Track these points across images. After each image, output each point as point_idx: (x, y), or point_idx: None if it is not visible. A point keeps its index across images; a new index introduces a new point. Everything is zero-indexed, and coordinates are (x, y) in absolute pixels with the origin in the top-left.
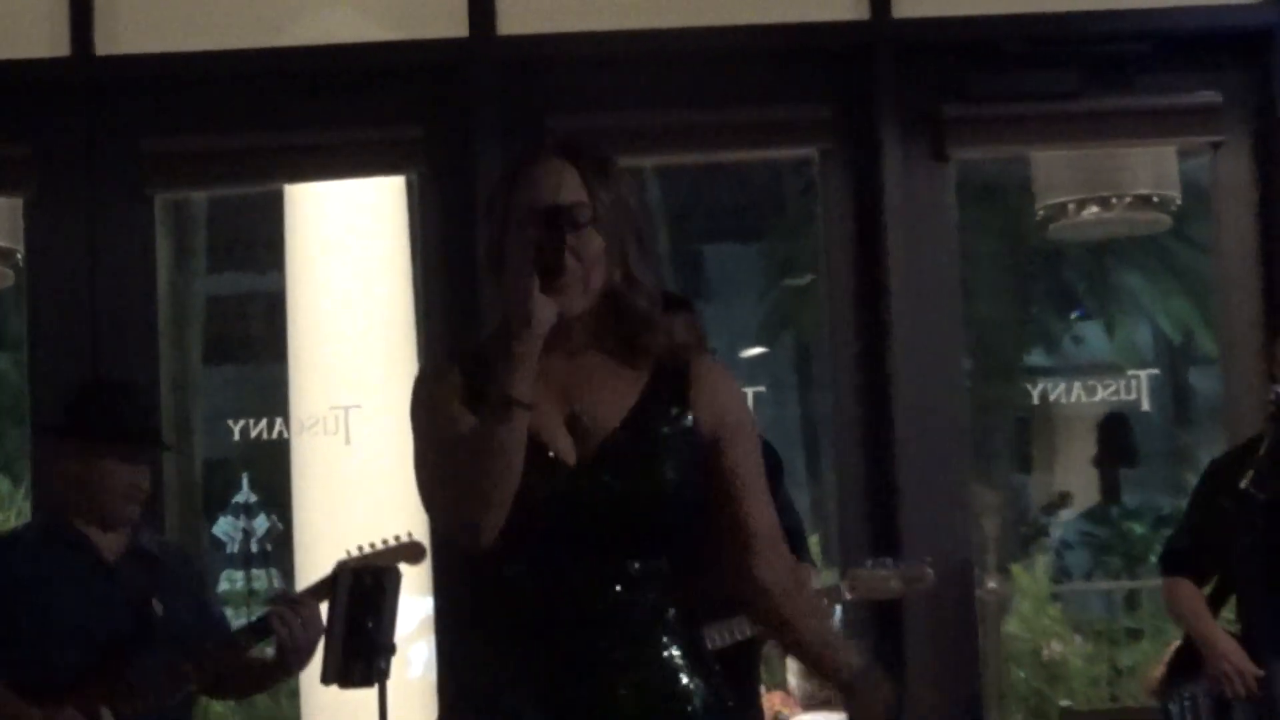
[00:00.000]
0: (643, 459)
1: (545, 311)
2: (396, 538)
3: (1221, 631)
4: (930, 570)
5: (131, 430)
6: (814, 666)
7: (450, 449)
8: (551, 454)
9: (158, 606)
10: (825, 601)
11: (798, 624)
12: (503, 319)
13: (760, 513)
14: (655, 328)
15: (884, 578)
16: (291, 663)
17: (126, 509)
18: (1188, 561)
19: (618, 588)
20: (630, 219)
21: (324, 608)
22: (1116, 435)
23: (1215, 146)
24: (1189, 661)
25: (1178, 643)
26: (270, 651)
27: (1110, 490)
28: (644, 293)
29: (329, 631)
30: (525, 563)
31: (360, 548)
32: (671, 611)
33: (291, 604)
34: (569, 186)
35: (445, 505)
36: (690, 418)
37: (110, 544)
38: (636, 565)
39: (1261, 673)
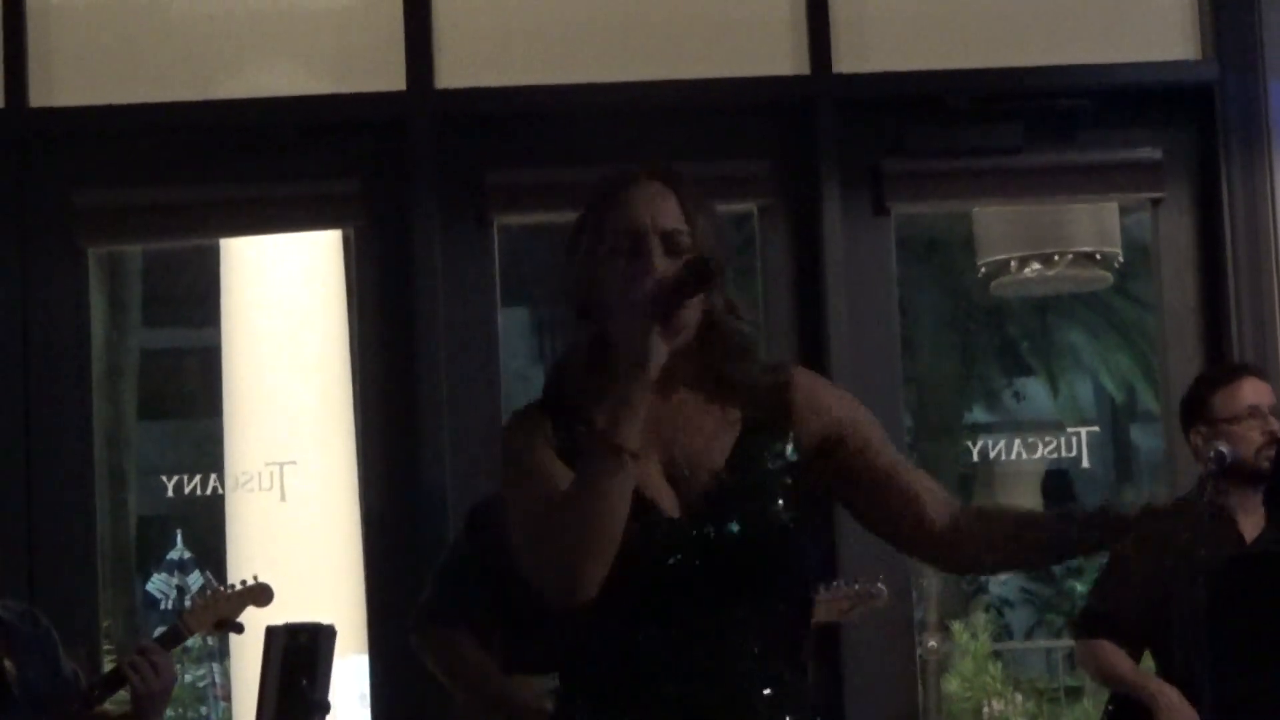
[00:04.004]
0: (751, 502)
1: (661, 354)
2: (243, 582)
3: (1169, 686)
4: (883, 587)
5: None
6: (1038, 556)
7: (549, 506)
8: (653, 506)
9: (10, 669)
10: None
11: (994, 538)
12: (585, 350)
13: (911, 473)
14: (752, 356)
15: (837, 598)
16: (147, 710)
17: None
18: (1109, 624)
19: (728, 640)
20: (725, 246)
21: (258, 667)
22: (1058, 493)
23: (1156, 203)
24: None
25: (1110, 706)
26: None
27: None
28: (740, 318)
29: (262, 691)
30: (622, 622)
31: (209, 592)
32: (780, 661)
33: (142, 652)
34: (668, 212)
35: (541, 561)
36: (792, 447)
37: None
38: (746, 613)
39: None
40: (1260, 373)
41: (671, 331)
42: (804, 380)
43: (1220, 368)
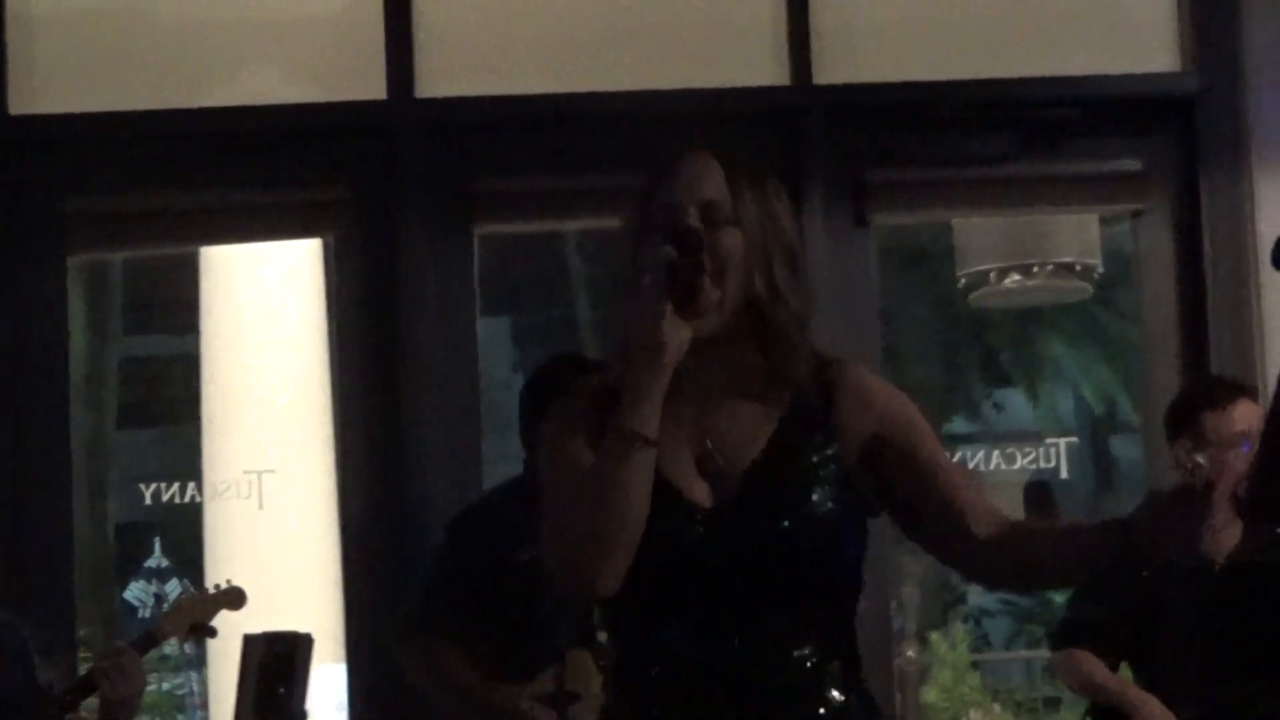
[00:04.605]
0: (788, 494)
1: (677, 337)
2: (217, 586)
3: (1149, 695)
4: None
5: None
6: (1081, 564)
7: (569, 496)
8: (685, 498)
9: None
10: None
11: (1037, 549)
12: (624, 342)
13: (957, 482)
14: (796, 350)
15: None
16: (116, 715)
17: None
18: (1087, 634)
19: (771, 644)
20: (779, 228)
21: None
22: (1038, 503)
23: (1137, 214)
24: None
25: (1088, 717)
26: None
27: None
28: (787, 306)
29: (239, 700)
30: (653, 616)
31: (187, 594)
32: (835, 664)
33: (113, 657)
34: (712, 184)
35: (561, 552)
36: (835, 442)
37: None
38: (789, 615)
39: None
40: (1253, 394)
41: (692, 314)
42: (853, 376)
43: (1216, 385)
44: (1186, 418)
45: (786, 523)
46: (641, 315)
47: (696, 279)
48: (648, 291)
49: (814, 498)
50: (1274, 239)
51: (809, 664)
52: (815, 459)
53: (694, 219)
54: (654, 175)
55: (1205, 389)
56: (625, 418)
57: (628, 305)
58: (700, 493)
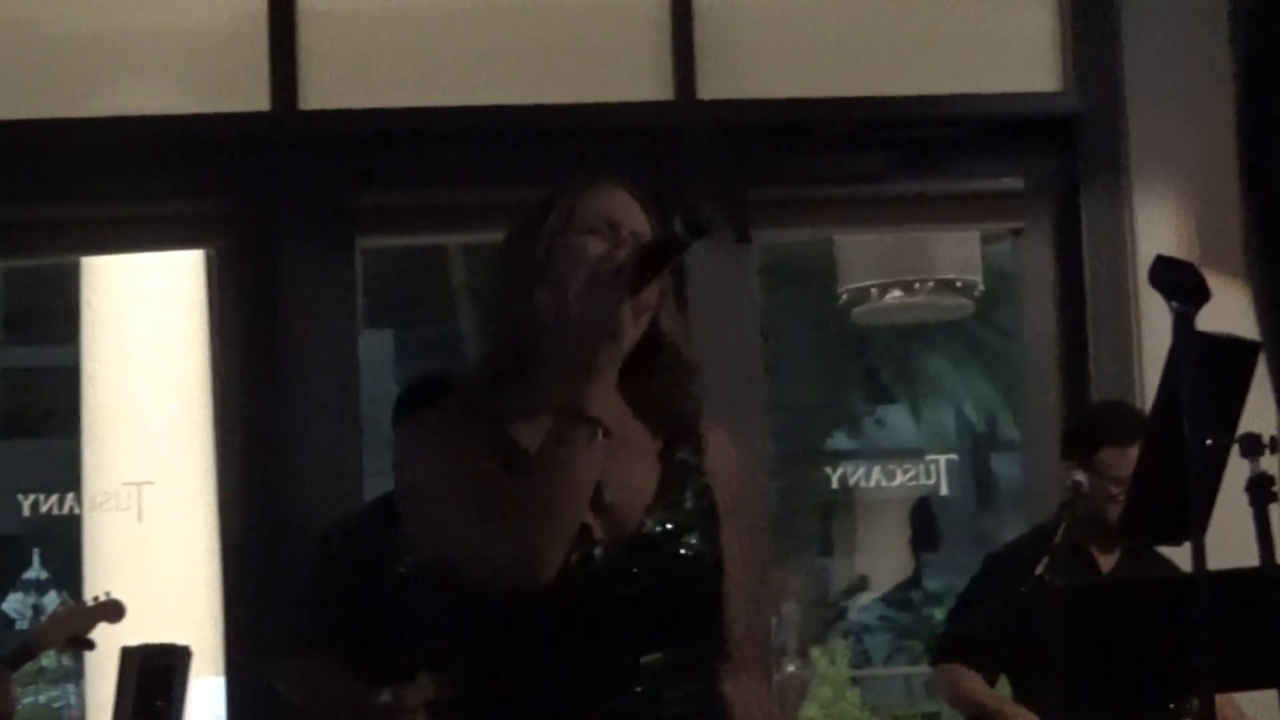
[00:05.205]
0: (678, 542)
1: (631, 328)
2: (95, 598)
3: (1025, 710)
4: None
5: None
6: None
7: (507, 486)
8: (588, 529)
9: None
10: None
11: None
12: (507, 356)
13: (737, 611)
14: (690, 383)
15: None
16: None
17: None
18: (965, 649)
19: (638, 688)
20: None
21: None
22: (921, 521)
23: (1017, 232)
24: None
25: None
26: None
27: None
28: (679, 345)
29: (117, 713)
30: (543, 653)
31: (65, 606)
32: (697, 706)
33: None
34: (637, 216)
35: (501, 544)
36: (711, 493)
37: None
38: (660, 658)
39: None
40: None
41: (639, 307)
42: (721, 437)
43: (1121, 419)
44: (1084, 444)
45: (677, 567)
46: (601, 300)
47: (651, 280)
48: (609, 277)
49: (698, 543)
50: (1152, 257)
51: (682, 700)
52: (700, 504)
53: (628, 237)
54: (574, 188)
55: (1110, 420)
56: (581, 404)
57: (582, 298)
58: (597, 527)
